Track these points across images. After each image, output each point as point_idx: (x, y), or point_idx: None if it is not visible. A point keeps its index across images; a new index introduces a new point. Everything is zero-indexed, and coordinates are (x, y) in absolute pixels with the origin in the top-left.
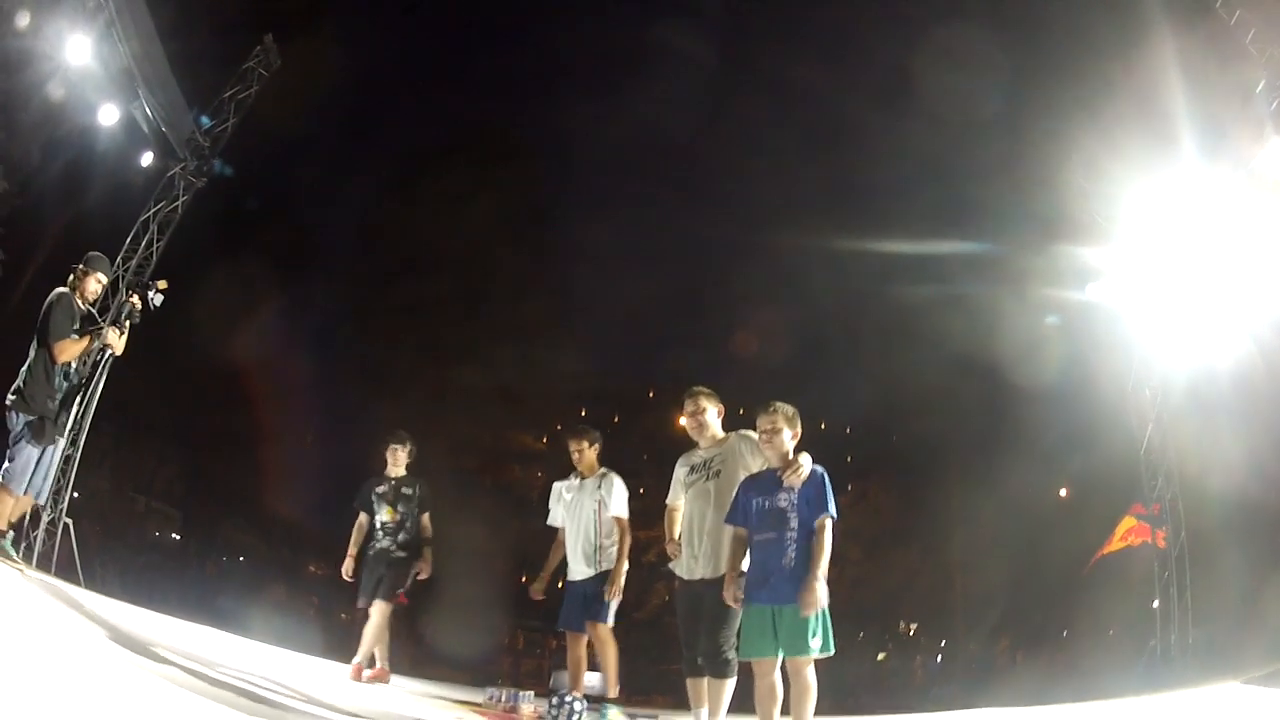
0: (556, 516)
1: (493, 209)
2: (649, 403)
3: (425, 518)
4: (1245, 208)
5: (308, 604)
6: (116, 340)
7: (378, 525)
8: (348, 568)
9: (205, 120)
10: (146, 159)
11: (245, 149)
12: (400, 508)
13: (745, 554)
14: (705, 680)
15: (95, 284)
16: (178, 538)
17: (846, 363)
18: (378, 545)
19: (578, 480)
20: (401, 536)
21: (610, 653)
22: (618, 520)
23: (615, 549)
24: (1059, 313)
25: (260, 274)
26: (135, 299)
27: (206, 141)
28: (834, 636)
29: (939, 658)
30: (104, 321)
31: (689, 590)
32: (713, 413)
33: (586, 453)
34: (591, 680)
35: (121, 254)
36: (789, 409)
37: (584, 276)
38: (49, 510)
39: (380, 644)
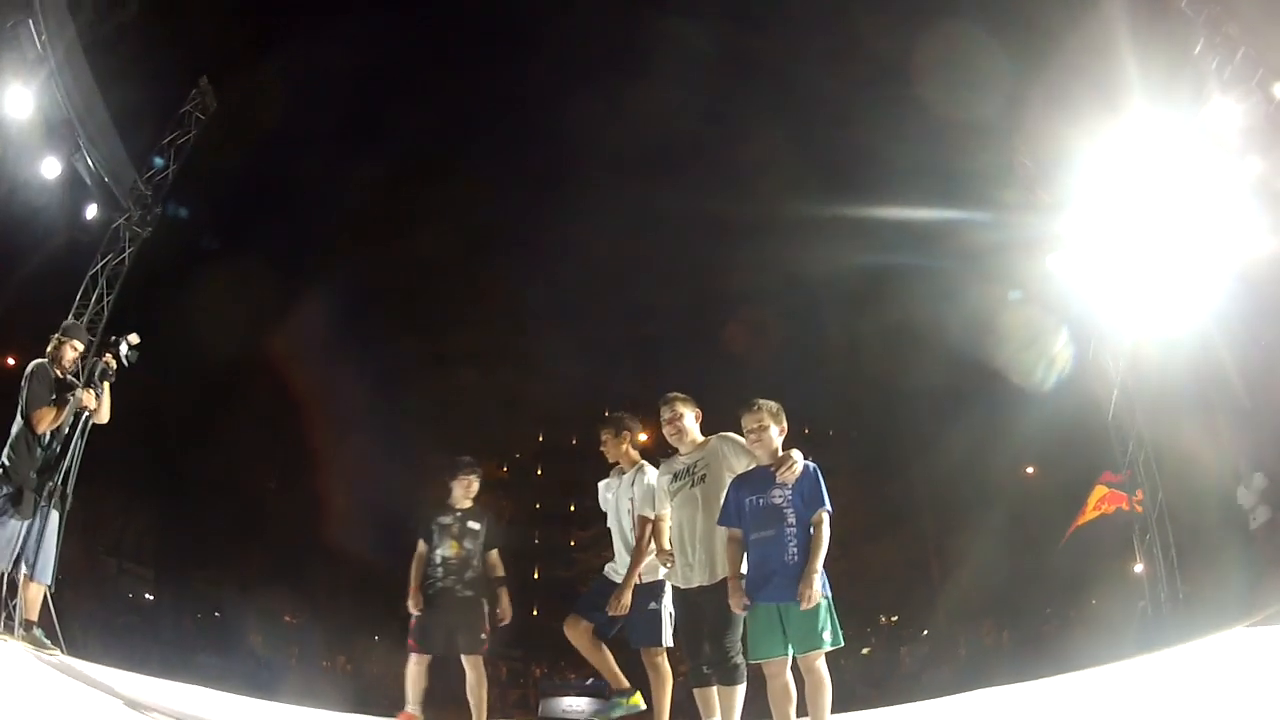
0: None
1: (448, 229)
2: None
3: (494, 554)
4: (1194, 167)
5: (288, 655)
6: (92, 401)
7: (438, 560)
8: (415, 601)
9: (158, 161)
10: (91, 211)
11: (196, 189)
12: (466, 544)
13: (743, 556)
14: (713, 690)
15: (72, 351)
16: (151, 598)
17: (801, 365)
18: (439, 584)
19: (618, 476)
20: (468, 575)
21: (666, 684)
22: (641, 519)
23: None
24: (1016, 285)
25: (219, 316)
26: (108, 357)
27: (149, 190)
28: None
29: (926, 646)
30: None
31: (687, 599)
32: (690, 417)
33: (611, 444)
34: (579, 705)
35: (72, 310)
36: (773, 405)
37: (541, 296)
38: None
39: (416, 689)
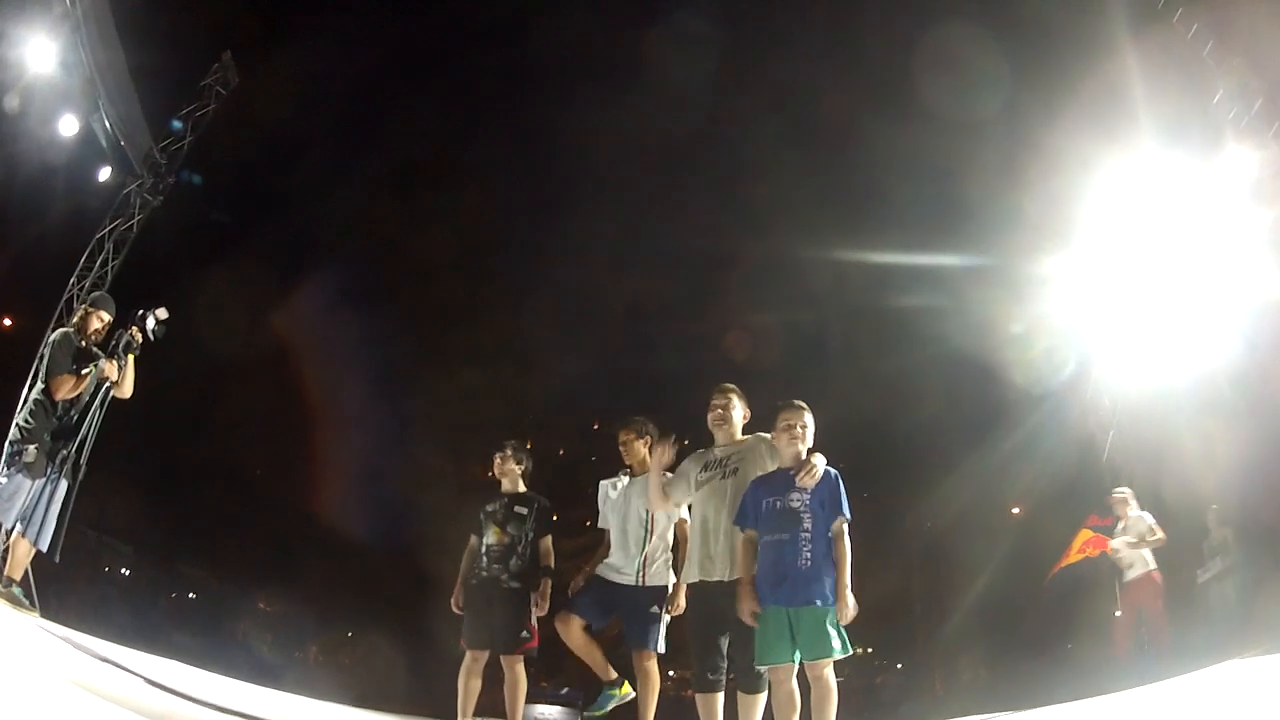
0: (604, 517)
1: (447, 235)
2: (595, 434)
3: (546, 541)
4: (1203, 214)
5: (261, 641)
6: (114, 372)
7: (482, 549)
8: (457, 597)
9: (176, 124)
10: (104, 174)
11: (210, 164)
12: (511, 529)
13: (757, 558)
14: (718, 696)
15: (98, 321)
16: (127, 573)
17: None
18: (482, 573)
19: (626, 477)
20: (514, 563)
21: (653, 689)
22: (680, 525)
23: (667, 559)
24: (1017, 324)
25: (219, 298)
26: (135, 330)
27: (164, 159)
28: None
29: (903, 678)
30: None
31: (706, 598)
32: (739, 410)
33: (635, 445)
34: (550, 713)
35: (76, 272)
36: (809, 412)
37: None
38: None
39: (466, 694)
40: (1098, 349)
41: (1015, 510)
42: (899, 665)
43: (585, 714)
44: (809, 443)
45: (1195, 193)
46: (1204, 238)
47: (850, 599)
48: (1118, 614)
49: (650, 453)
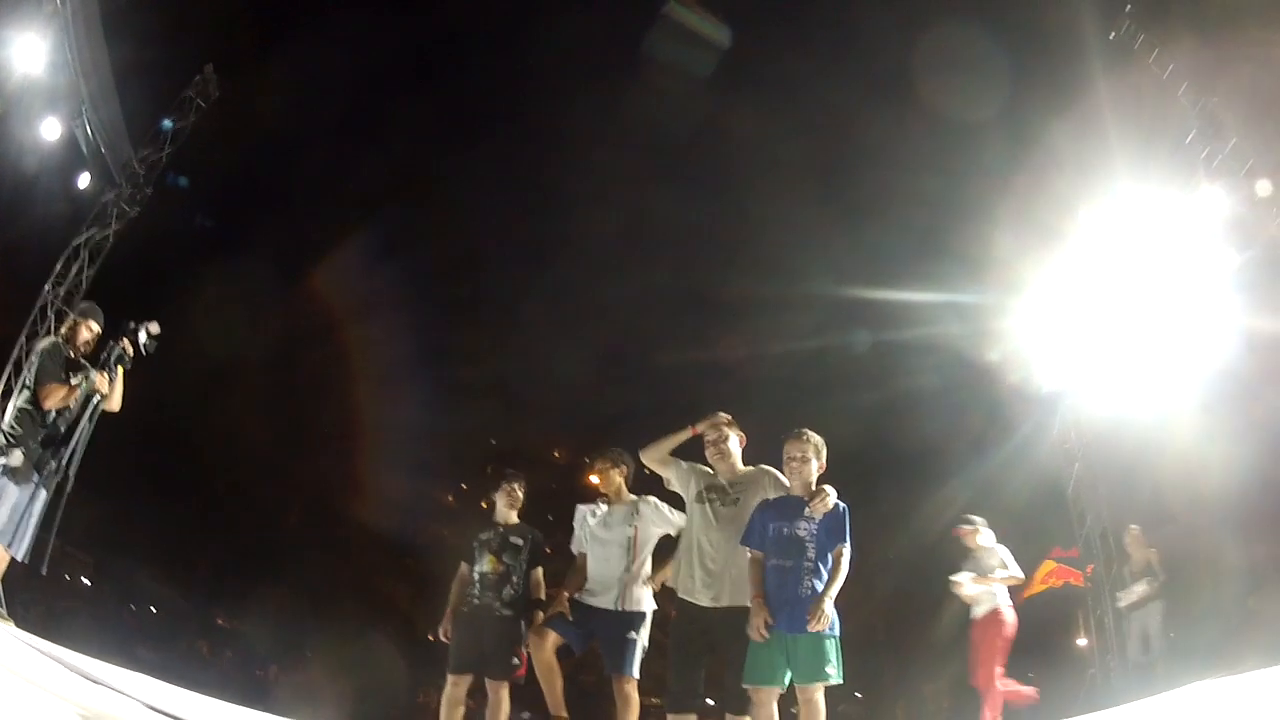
0: (579, 541)
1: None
2: (553, 462)
3: (538, 573)
4: (1173, 250)
5: (220, 658)
6: (104, 385)
7: (476, 576)
8: (446, 626)
9: (168, 124)
10: (83, 181)
11: (188, 176)
12: (506, 558)
13: (763, 577)
14: (693, 718)
15: (87, 332)
16: (88, 583)
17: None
18: (475, 601)
19: (604, 506)
20: (507, 592)
21: (632, 714)
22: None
23: (646, 584)
24: (988, 358)
25: (195, 306)
26: (126, 343)
27: (142, 169)
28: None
29: (862, 706)
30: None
31: (696, 619)
32: (735, 441)
33: (611, 474)
34: None
35: (52, 279)
36: (819, 439)
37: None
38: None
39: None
40: (1066, 382)
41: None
42: (856, 694)
43: None
44: (820, 469)
45: (1167, 229)
46: (1175, 273)
47: (828, 606)
48: (1081, 641)
49: (626, 482)
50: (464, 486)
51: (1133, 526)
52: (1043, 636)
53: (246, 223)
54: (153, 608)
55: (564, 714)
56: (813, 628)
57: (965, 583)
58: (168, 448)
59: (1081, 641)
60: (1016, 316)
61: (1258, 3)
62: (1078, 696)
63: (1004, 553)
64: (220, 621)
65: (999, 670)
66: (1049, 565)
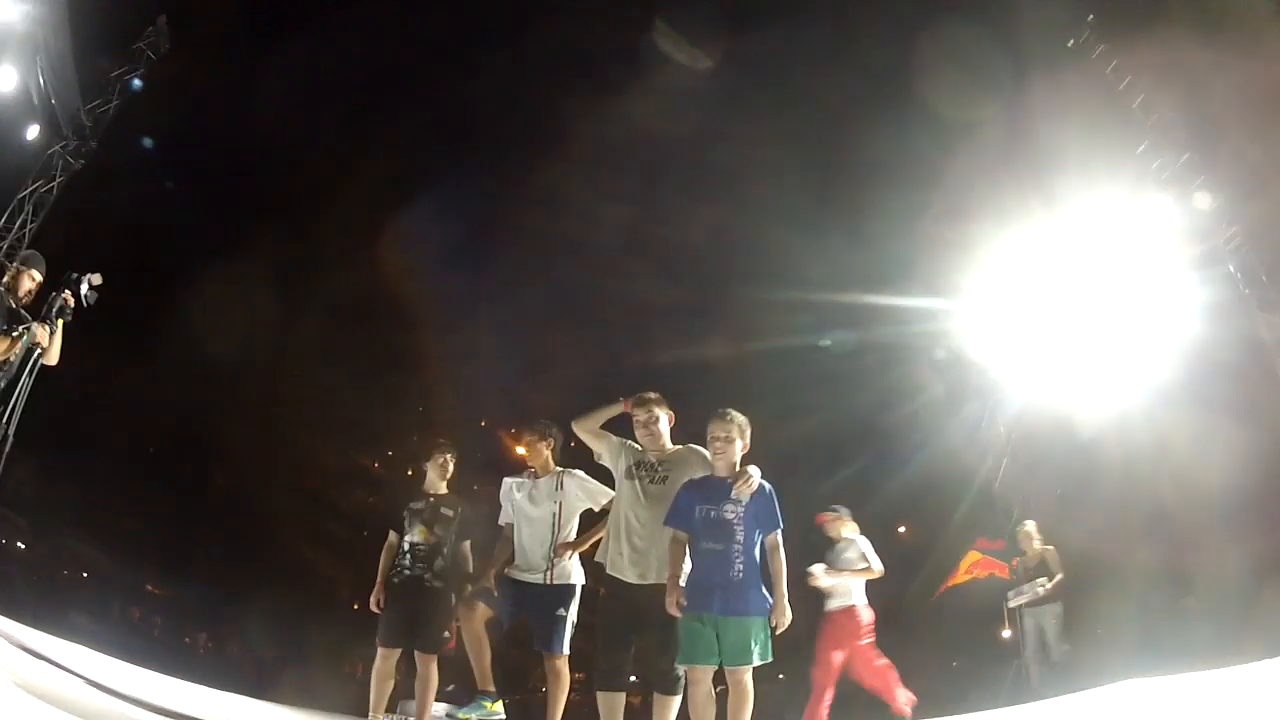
0: (506, 513)
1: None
2: (481, 432)
3: (466, 545)
4: (1115, 256)
5: (151, 624)
6: (45, 338)
7: (406, 546)
8: (378, 596)
9: (137, 83)
10: (32, 132)
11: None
12: (438, 529)
13: (685, 558)
14: (620, 696)
15: (29, 281)
16: (23, 546)
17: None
18: (406, 571)
19: (531, 479)
20: (438, 564)
21: (563, 689)
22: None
23: (574, 557)
24: (920, 357)
25: (134, 268)
26: (67, 295)
27: (89, 121)
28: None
29: (783, 687)
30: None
31: (624, 597)
32: (664, 420)
33: (539, 447)
34: (438, 711)
35: None
36: (742, 419)
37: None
38: None
39: (380, 691)
40: (1000, 378)
41: (901, 530)
42: (780, 676)
43: (453, 714)
44: (744, 449)
45: (1114, 236)
46: (1117, 279)
47: (787, 607)
48: (1005, 633)
49: (554, 455)
50: (390, 453)
51: (1028, 522)
52: (968, 627)
53: (192, 180)
54: (84, 573)
55: (491, 688)
56: (779, 631)
57: (819, 573)
58: (99, 409)
59: (1006, 633)
60: (956, 316)
61: (1219, 20)
62: (1002, 688)
63: (865, 545)
64: (150, 587)
65: (883, 664)
66: (974, 556)
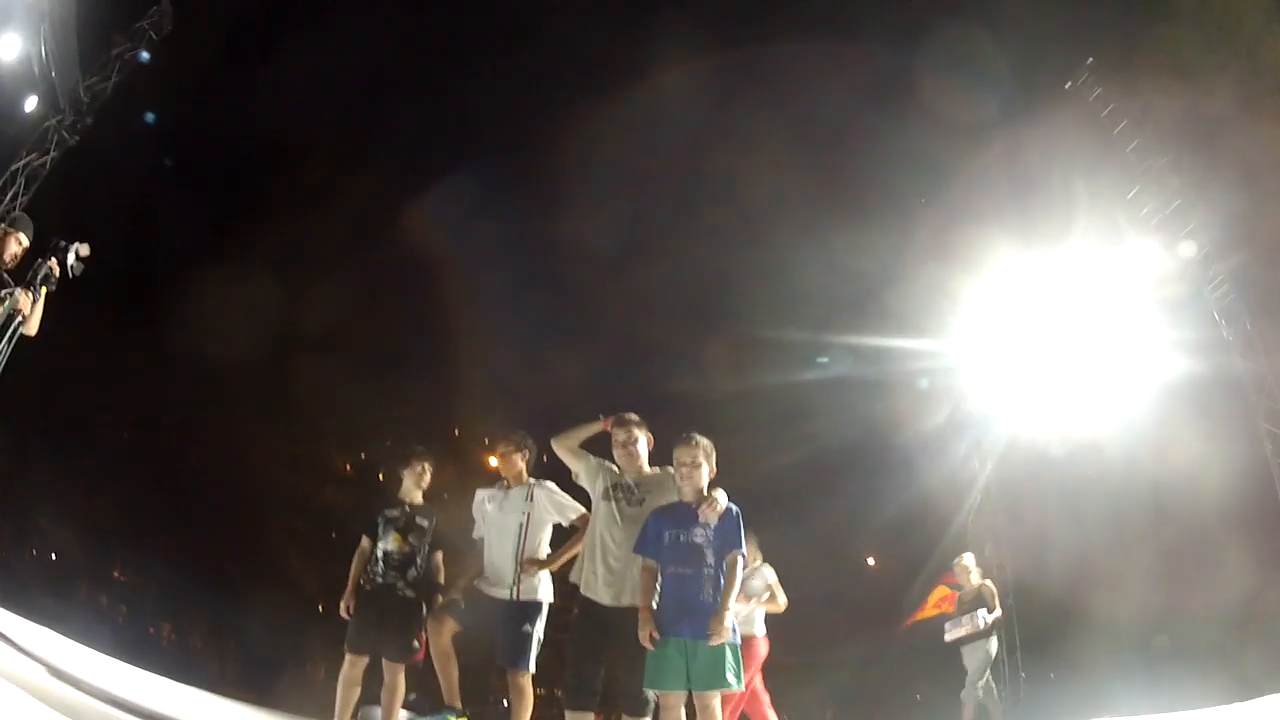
0: (479, 526)
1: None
2: (453, 439)
3: (438, 556)
4: (1100, 297)
5: (116, 612)
6: (27, 305)
7: (380, 554)
8: (348, 602)
9: (144, 55)
10: (30, 104)
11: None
12: (411, 539)
13: (657, 586)
14: (590, 716)
15: (16, 245)
16: None
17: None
18: (379, 580)
19: (503, 490)
20: (411, 573)
21: (527, 707)
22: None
23: (545, 577)
24: (901, 391)
25: (121, 249)
26: (53, 263)
27: (86, 97)
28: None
29: None
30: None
31: (596, 618)
32: (644, 442)
33: (513, 458)
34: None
35: None
36: (707, 443)
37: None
38: None
39: (345, 698)
40: (978, 415)
41: (870, 561)
42: None
43: None
44: (710, 474)
45: (1098, 278)
46: (1100, 320)
47: (728, 618)
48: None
49: (528, 467)
50: (363, 456)
51: (965, 555)
52: (934, 660)
53: (184, 164)
54: (53, 555)
55: (458, 703)
56: (714, 642)
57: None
58: (78, 387)
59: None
60: (946, 351)
61: (1219, 74)
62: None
63: (771, 575)
64: (116, 574)
65: (766, 698)
66: (942, 591)
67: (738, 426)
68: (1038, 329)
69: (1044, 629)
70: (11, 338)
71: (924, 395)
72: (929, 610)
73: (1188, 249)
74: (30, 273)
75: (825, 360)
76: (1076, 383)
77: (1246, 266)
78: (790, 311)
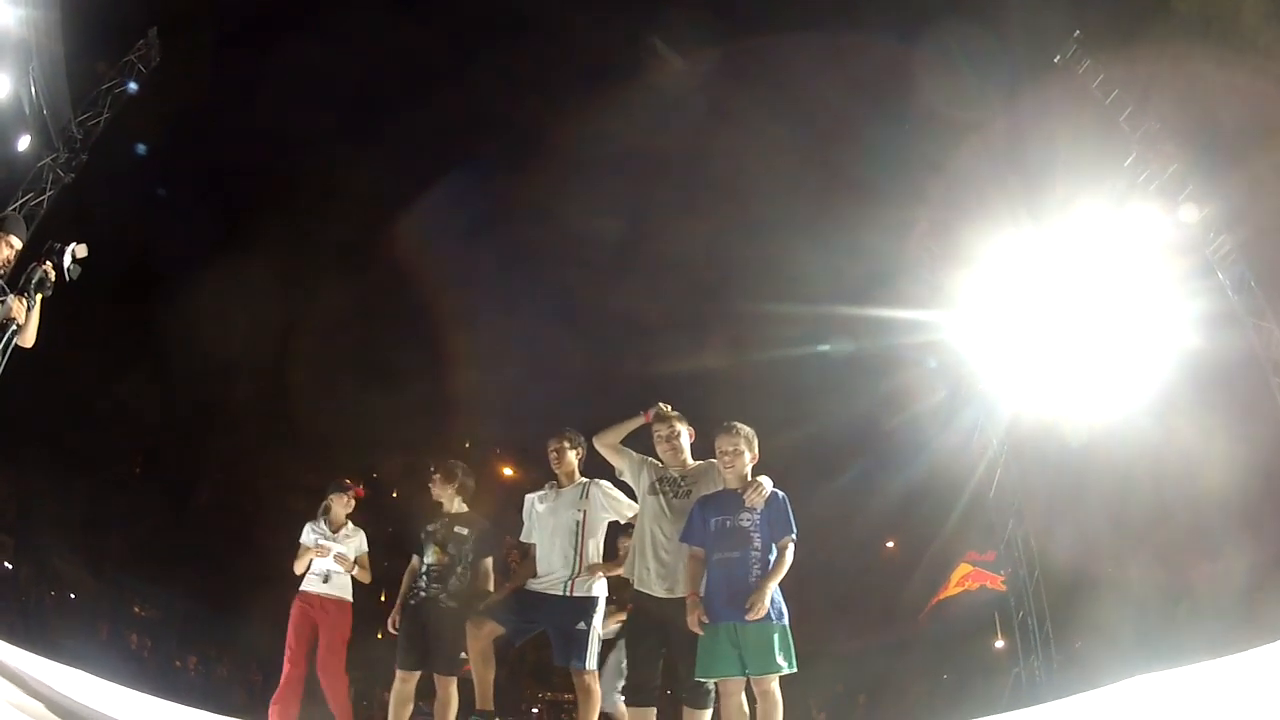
0: (529, 531)
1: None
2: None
3: (487, 563)
4: (1102, 265)
5: (142, 647)
6: (21, 312)
7: (423, 569)
8: (394, 618)
9: (133, 86)
10: (24, 143)
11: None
12: (450, 549)
13: (705, 574)
14: (651, 711)
15: (6, 249)
16: (9, 566)
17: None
18: (422, 594)
19: (554, 490)
20: (452, 584)
21: (595, 706)
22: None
23: (597, 576)
24: (913, 367)
25: (121, 283)
26: (48, 266)
27: (80, 134)
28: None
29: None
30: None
31: (650, 612)
32: (685, 436)
33: (567, 455)
34: None
35: None
36: (749, 430)
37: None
38: None
39: (398, 713)
40: (995, 391)
41: (890, 544)
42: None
43: None
44: (753, 460)
45: (1103, 247)
46: (1107, 289)
47: (767, 596)
48: (999, 644)
49: (579, 464)
50: (375, 475)
51: None
52: (960, 639)
53: (177, 195)
54: (72, 595)
55: (490, 707)
56: (751, 616)
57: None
58: (80, 422)
59: (1000, 644)
60: (952, 327)
61: (1203, 36)
62: (1001, 695)
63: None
64: (136, 610)
65: None
66: (965, 568)
67: (749, 405)
68: (1044, 299)
69: (1069, 600)
70: (6, 348)
71: (934, 370)
72: (953, 588)
73: (1189, 212)
74: (24, 278)
75: (828, 347)
76: (1088, 355)
77: (1250, 227)
78: (797, 287)
